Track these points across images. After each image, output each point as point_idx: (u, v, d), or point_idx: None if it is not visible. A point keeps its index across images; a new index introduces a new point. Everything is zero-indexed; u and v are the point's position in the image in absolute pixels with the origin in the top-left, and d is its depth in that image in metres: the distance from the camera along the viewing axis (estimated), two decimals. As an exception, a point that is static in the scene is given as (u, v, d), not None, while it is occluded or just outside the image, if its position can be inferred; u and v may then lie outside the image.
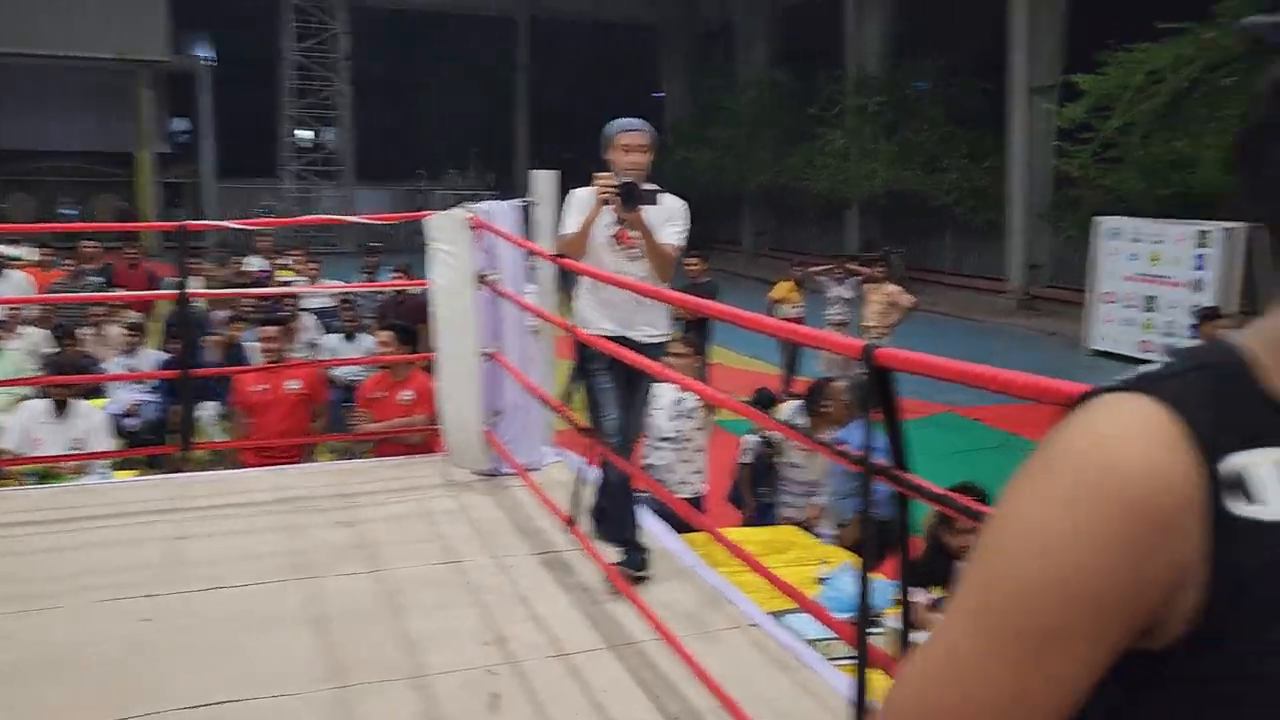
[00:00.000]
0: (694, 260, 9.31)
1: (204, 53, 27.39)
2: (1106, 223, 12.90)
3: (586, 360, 3.72)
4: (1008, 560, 0.65)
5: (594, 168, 3.62)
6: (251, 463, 5.71)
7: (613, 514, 3.80)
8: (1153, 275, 12.25)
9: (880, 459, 1.92)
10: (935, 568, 4.32)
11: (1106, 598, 0.62)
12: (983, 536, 0.68)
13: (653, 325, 3.79)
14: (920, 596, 4.05)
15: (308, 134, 27.07)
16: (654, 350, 3.72)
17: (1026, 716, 0.64)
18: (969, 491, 3.91)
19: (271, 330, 6.01)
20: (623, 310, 3.71)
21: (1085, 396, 0.67)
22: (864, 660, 1.97)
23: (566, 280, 4.11)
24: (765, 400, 6.07)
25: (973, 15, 18.39)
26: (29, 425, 5.54)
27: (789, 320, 9.23)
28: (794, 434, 2.75)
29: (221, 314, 7.94)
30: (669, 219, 3.73)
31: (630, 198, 3.49)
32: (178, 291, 5.06)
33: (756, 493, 5.74)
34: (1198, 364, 0.67)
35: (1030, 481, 0.66)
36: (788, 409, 5.92)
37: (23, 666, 2.96)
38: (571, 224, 3.69)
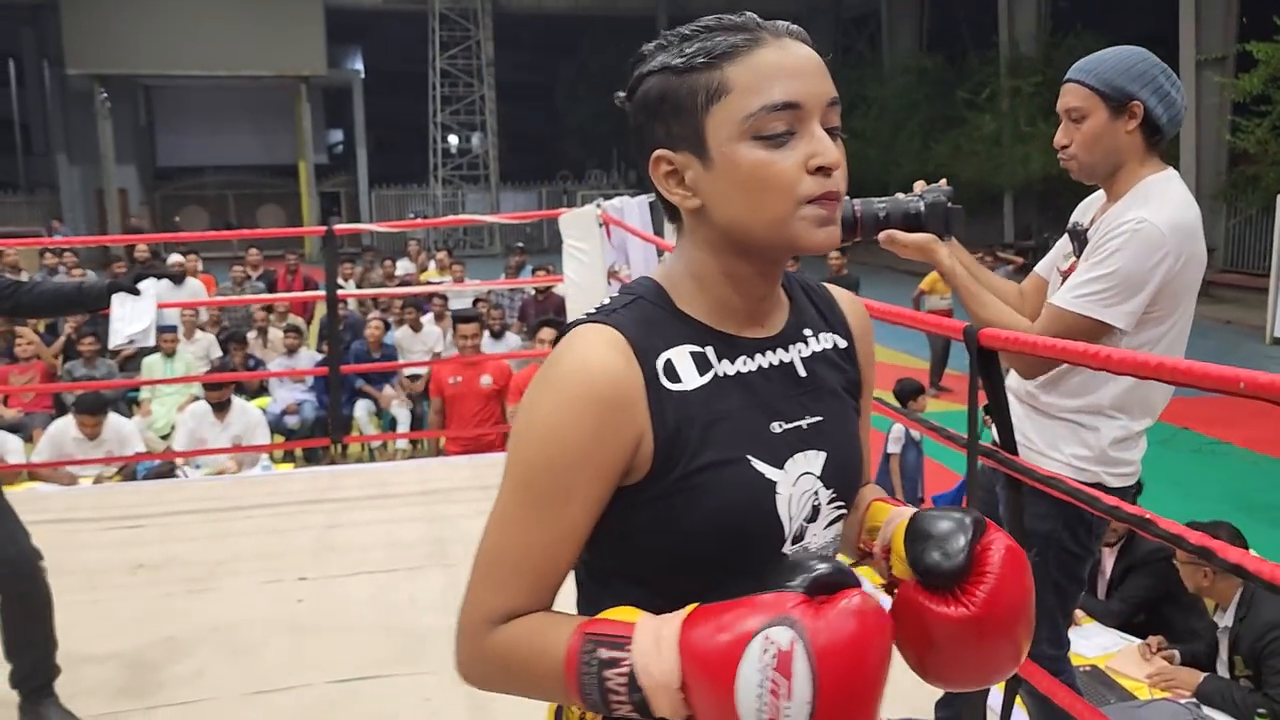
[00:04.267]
0: (835, 254, 9.12)
1: (356, 66, 28.65)
2: (1288, 201, 11.96)
3: None
4: (529, 444, 0.91)
5: None
6: (452, 451, 6.17)
7: None
8: (1341, 256, 11.28)
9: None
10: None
11: (594, 460, 0.89)
12: (515, 424, 0.93)
13: (1032, 438, 2.05)
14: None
15: (454, 140, 27.92)
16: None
17: (553, 548, 0.91)
18: (1213, 528, 3.01)
19: (469, 328, 6.35)
20: None
21: (566, 328, 0.95)
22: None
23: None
24: (908, 391, 5.86)
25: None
26: (194, 424, 5.97)
27: (938, 311, 8.91)
28: (913, 423, 2.65)
29: (375, 314, 8.26)
30: (1096, 252, 1.88)
31: (938, 218, 1.93)
32: (325, 294, 5.24)
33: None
34: (634, 297, 0.97)
35: (539, 386, 0.92)
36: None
37: (189, 640, 3.17)
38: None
